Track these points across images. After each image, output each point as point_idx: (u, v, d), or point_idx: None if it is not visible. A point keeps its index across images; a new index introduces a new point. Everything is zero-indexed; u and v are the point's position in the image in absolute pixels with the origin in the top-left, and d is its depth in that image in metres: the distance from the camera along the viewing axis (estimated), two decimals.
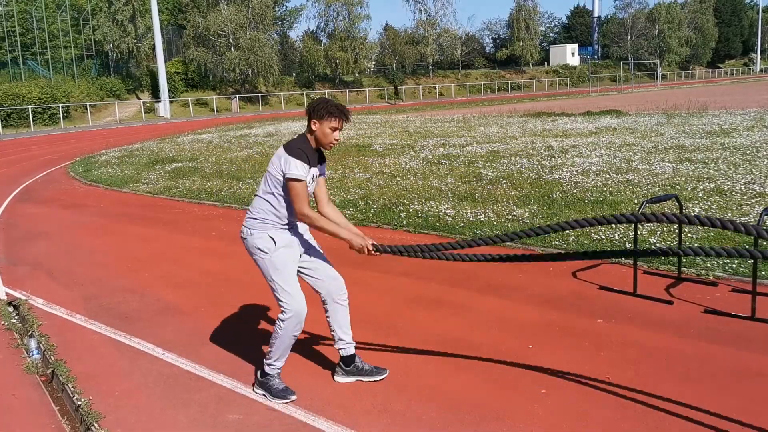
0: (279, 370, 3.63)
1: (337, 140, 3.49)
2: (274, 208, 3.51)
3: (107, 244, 8.11)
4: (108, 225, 9.33)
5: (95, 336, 4.84)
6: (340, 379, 3.80)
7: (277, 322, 3.51)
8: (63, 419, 3.64)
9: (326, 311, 3.72)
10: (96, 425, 3.42)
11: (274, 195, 3.50)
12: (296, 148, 3.43)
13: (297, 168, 3.38)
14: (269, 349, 3.59)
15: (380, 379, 3.77)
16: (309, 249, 3.69)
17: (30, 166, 18.41)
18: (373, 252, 3.50)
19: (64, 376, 4.06)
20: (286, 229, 3.56)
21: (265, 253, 3.49)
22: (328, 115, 3.41)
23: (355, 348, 3.81)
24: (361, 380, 3.77)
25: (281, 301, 3.48)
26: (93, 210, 10.73)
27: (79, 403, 3.68)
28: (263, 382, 3.63)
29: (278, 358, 3.58)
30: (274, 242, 3.50)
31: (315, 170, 3.54)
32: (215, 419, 3.47)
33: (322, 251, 3.75)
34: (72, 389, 3.86)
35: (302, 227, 3.69)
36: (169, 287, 6.01)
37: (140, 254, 7.39)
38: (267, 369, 3.62)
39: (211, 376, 4.01)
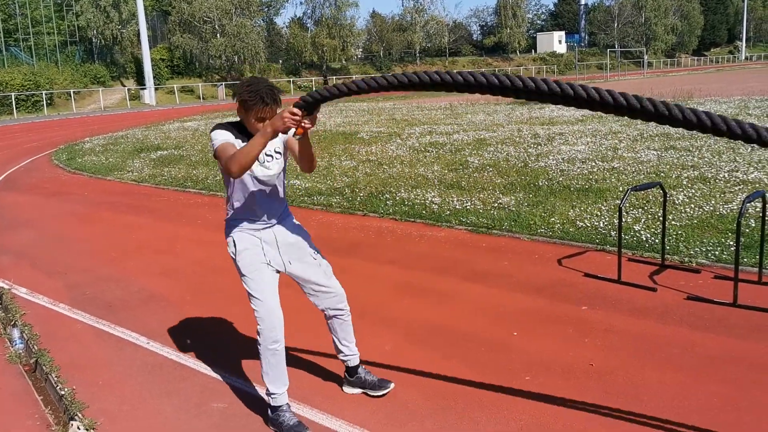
0: (285, 401, 3.21)
1: None
2: (233, 205, 3.18)
3: (91, 232, 8.05)
4: (92, 213, 9.26)
5: (79, 325, 4.81)
6: (348, 389, 3.57)
7: (257, 336, 3.18)
8: (46, 409, 3.62)
9: (327, 322, 3.45)
10: (80, 415, 3.41)
11: (227, 192, 3.19)
12: (218, 124, 3.05)
13: (217, 135, 2.97)
14: (262, 374, 3.22)
15: (384, 394, 3.50)
16: (296, 256, 3.28)
17: (13, 153, 18.21)
18: (297, 114, 2.74)
19: (47, 365, 4.03)
20: (252, 229, 3.19)
21: (233, 257, 3.22)
22: (249, 104, 2.92)
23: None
24: (366, 393, 3.52)
25: (252, 307, 3.15)
26: (77, 198, 10.64)
27: (63, 392, 3.66)
28: (274, 419, 3.21)
29: (271, 381, 3.17)
30: (235, 245, 3.18)
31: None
32: (199, 408, 3.47)
33: (317, 260, 3.34)
34: (55, 379, 3.84)
35: (281, 229, 3.24)
36: (153, 276, 5.98)
37: (125, 243, 7.34)
38: (270, 401, 3.22)
39: (195, 365, 4.00)
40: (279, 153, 3.18)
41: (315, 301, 3.38)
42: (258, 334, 3.16)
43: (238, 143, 3.00)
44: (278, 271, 3.28)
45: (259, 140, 2.77)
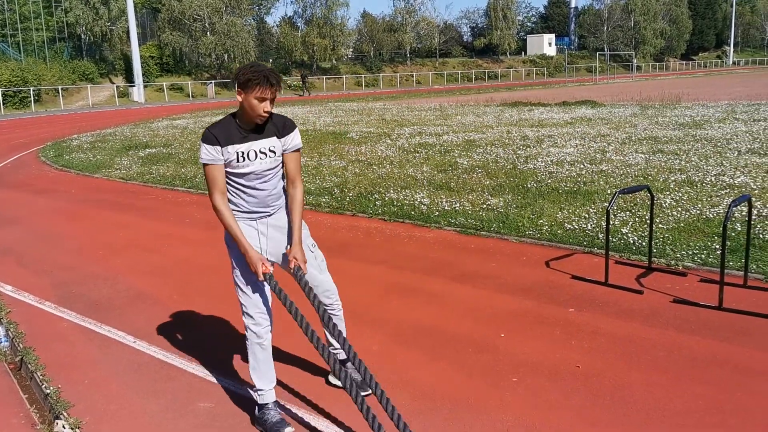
0: (272, 398, 3.24)
1: (267, 111, 3.03)
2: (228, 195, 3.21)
3: (78, 230, 8.00)
4: (79, 211, 9.20)
5: (65, 323, 4.78)
6: (334, 380, 3.62)
7: (245, 332, 3.23)
8: (31, 407, 3.59)
9: (318, 316, 3.40)
10: (65, 414, 3.39)
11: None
12: (207, 130, 3.08)
13: (202, 152, 3.06)
14: (250, 371, 3.25)
15: (366, 395, 3.40)
16: (292, 248, 3.25)
17: (0, 150, 18.07)
18: (261, 279, 3.07)
19: (32, 363, 4.01)
20: (246, 220, 3.19)
21: (228, 246, 3.23)
22: (251, 83, 2.96)
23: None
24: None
25: (240, 302, 3.19)
26: (64, 195, 10.58)
27: (48, 391, 3.63)
28: (259, 417, 3.22)
29: (258, 377, 3.21)
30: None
31: (244, 147, 3.07)
32: (186, 408, 3.46)
33: (314, 252, 3.37)
34: (41, 377, 3.81)
35: (277, 219, 3.26)
36: (141, 274, 5.95)
37: (112, 241, 7.30)
38: (257, 398, 3.24)
39: (182, 364, 3.99)
40: (273, 152, 3.16)
41: (305, 293, 3.36)
42: (246, 329, 3.19)
43: (228, 151, 3.05)
44: (272, 263, 3.27)
45: (238, 240, 3.07)
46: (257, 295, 3.17)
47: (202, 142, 3.07)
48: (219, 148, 3.05)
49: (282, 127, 3.17)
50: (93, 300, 5.27)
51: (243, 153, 3.08)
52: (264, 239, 3.24)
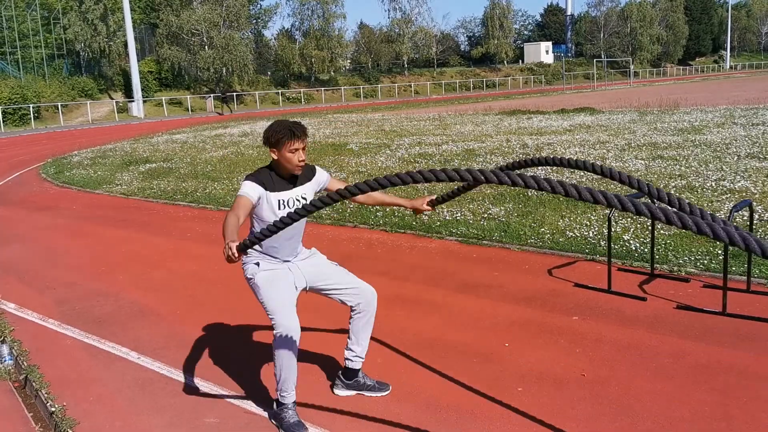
0: (292, 399, 3.37)
1: (302, 161, 3.32)
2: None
3: (80, 246, 8.01)
4: (81, 227, 9.21)
5: (68, 341, 4.78)
6: (340, 392, 3.69)
7: (273, 341, 3.34)
8: (37, 426, 3.59)
9: (351, 317, 3.60)
10: (70, 431, 3.38)
11: (252, 227, 3.41)
12: (252, 175, 3.32)
13: (245, 186, 3.26)
14: (275, 373, 3.37)
15: (383, 395, 3.63)
16: (320, 271, 3.53)
17: (0, 168, 18.10)
18: (236, 254, 2.90)
19: (37, 381, 4.00)
20: (274, 259, 3.42)
21: (252, 277, 3.38)
22: (282, 141, 3.25)
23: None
24: (362, 394, 3.65)
25: (270, 316, 3.31)
26: (65, 212, 10.59)
27: (53, 409, 3.63)
28: (277, 414, 3.38)
29: (284, 381, 3.33)
30: (259, 265, 3.37)
31: (285, 195, 3.34)
32: (191, 423, 3.45)
33: (338, 268, 3.62)
34: (45, 395, 3.81)
35: (301, 257, 3.54)
36: (143, 290, 5.95)
37: (114, 257, 7.30)
38: (279, 398, 3.37)
39: (187, 380, 3.98)
40: (305, 199, 3.41)
41: (347, 300, 3.55)
42: (274, 339, 3.27)
43: (270, 198, 3.30)
44: (302, 289, 3.50)
45: (226, 238, 2.99)
46: (288, 306, 3.31)
47: (247, 179, 3.30)
48: (262, 190, 3.28)
49: (309, 171, 3.48)
50: (96, 316, 5.27)
51: (284, 201, 3.35)
52: (298, 270, 3.47)
